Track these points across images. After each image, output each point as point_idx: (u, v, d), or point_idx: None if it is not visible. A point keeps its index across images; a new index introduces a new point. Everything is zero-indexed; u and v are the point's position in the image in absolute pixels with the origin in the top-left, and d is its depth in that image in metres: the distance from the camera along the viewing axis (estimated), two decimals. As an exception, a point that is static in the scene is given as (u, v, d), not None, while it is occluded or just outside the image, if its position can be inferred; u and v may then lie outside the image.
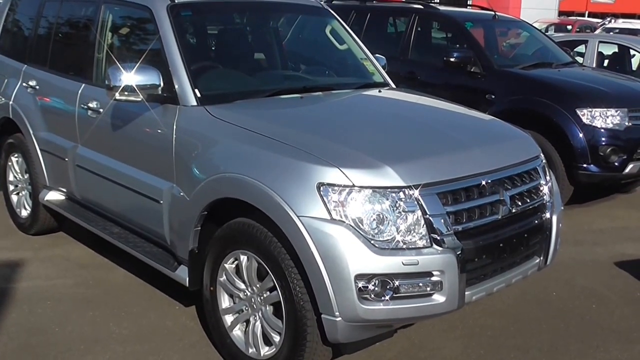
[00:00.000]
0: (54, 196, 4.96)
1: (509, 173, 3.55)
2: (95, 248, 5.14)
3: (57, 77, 4.88)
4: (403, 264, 3.03)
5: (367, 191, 3.07)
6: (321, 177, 3.09)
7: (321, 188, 3.07)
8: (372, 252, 3.01)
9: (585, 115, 6.20)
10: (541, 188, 3.74)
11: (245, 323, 3.55)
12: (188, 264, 3.76)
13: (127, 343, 3.86)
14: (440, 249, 3.11)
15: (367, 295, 3.03)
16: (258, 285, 3.41)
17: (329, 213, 3.05)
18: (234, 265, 3.52)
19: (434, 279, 3.10)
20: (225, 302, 3.62)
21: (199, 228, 3.65)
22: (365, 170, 3.11)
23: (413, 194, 3.10)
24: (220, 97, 3.85)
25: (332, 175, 3.08)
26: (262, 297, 3.41)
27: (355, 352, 3.66)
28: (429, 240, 3.11)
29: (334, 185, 3.06)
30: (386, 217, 3.07)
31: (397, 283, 3.05)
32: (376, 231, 3.06)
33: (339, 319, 3.05)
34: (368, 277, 3.01)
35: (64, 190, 4.90)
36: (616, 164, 6.22)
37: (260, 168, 3.28)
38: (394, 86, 4.82)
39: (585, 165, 6.17)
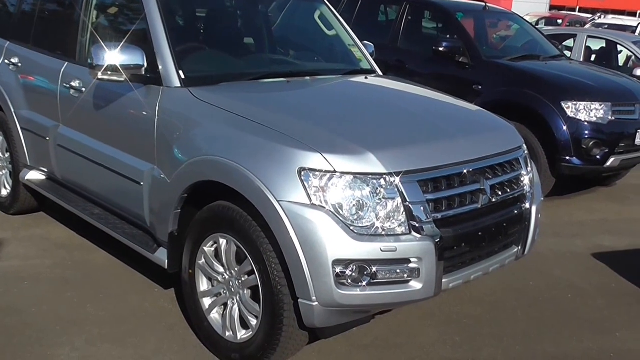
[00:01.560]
0: (34, 176, 4.92)
1: (490, 162, 3.56)
2: (76, 229, 5.11)
3: (40, 55, 4.83)
4: (381, 250, 3.04)
5: (348, 177, 3.07)
6: (302, 162, 3.08)
7: (302, 173, 3.06)
8: (350, 237, 3.01)
9: (570, 108, 6.23)
10: (522, 179, 3.76)
11: (223, 306, 3.55)
12: (167, 247, 3.75)
13: (104, 325, 3.85)
14: (418, 236, 3.12)
15: (345, 281, 3.03)
16: (237, 269, 3.41)
17: (309, 198, 3.04)
18: (213, 249, 3.51)
19: (411, 265, 3.12)
20: (203, 285, 3.61)
21: (179, 210, 3.64)
22: (347, 156, 3.11)
23: (394, 181, 3.11)
24: (204, 79, 3.83)
25: (313, 160, 3.08)
26: (240, 281, 3.41)
27: (332, 338, 3.68)
28: (408, 228, 3.12)
29: (315, 170, 3.06)
30: (366, 204, 3.08)
31: (374, 269, 3.06)
32: (355, 217, 3.06)
33: (316, 303, 3.06)
34: (346, 263, 3.02)
35: (45, 170, 4.86)
36: (598, 157, 6.27)
37: (241, 151, 3.27)
38: (381, 73, 4.82)
39: (568, 158, 6.21)
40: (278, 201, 3.06)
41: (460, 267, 3.38)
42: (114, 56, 3.68)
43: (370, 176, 3.09)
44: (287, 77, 4.14)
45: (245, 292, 3.40)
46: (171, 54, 3.79)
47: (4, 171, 5.38)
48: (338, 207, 3.05)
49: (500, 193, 3.57)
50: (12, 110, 4.97)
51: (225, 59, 4.29)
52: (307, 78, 4.23)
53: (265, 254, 3.17)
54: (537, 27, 10.47)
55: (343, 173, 3.07)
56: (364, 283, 3.06)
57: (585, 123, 6.23)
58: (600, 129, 6.28)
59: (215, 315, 3.58)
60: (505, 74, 6.76)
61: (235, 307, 3.47)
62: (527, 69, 6.78)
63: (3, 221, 5.28)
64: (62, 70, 4.48)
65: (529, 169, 3.91)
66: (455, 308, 4.31)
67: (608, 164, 6.33)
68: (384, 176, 3.11)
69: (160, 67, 3.78)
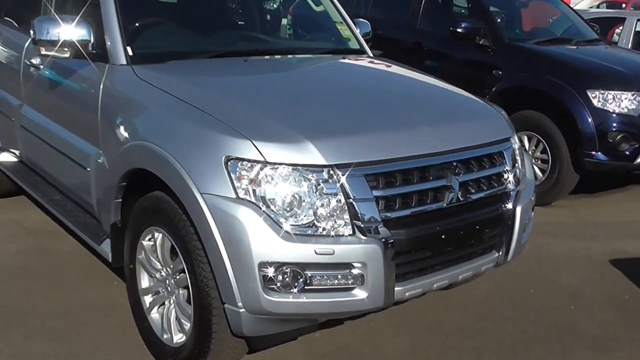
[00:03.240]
0: (5, 157, 4.71)
1: (463, 156, 3.12)
2: (52, 215, 4.89)
3: (9, 29, 4.62)
4: (316, 252, 2.66)
5: (282, 169, 2.69)
6: (230, 150, 2.72)
7: (229, 162, 2.70)
8: (280, 238, 2.64)
9: (597, 97, 5.63)
10: (504, 175, 3.29)
11: (162, 306, 3.25)
12: (110, 238, 3.47)
13: (48, 318, 3.60)
14: (363, 238, 2.72)
15: (274, 286, 2.67)
16: (171, 266, 3.10)
17: (235, 191, 2.68)
18: (151, 243, 3.20)
19: (354, 271, 2.73)
20: (145, 281, 3.30)
21: (120, 200, 3.33)
22: (281, 144, 2.73)
23: (335, 175, 2.72)
24: (153, 56, 3.51)
25: (242, 148, 2.71)
26: (174, 280, 3.09)
27: (281, 345, 3.33)
28: (351, 228, 2.73)
29: (243, 159, 2.69)
30: (301, 200, 2.70)
31: (309, 274, 2.68)
32: (288, 215, 2.69)
33: (243, 310, 2.71)
34: (275, 266, 2.65)
35: (15, 152, 4.65)
36: (627, 152, 5.64)
37: (171, 137, 2.94)
38: (370, 54, 4.40)
39: (592, 152, 5.61)
40: (201, 194, 2.71)
41: (418, 275, 2.96)
42: (59, 30, 3.40)
43: (307, 168, 2.71)
44: (252, 55, 3.78)
45: (180, 292, 3.08)
46: (119, 29, 3.47)
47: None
48: (268, 202, 2.68)
49: (473, 191, 3.12)
50: None
51: (181, 35, 3.93)
52: (268, 57, 3.84)
53: (192, 251, 2.83)
54: (590, 10, 9.70)
55: (275, 164, 2.69)
56: (296, 289, 2.69)
57: (614, 114, 5.61)
58: (632, 121, 5.64)
59: (155, 315, 3.27)
60: (528, 58, 6.18)
61: (172, 307, 3.15)
62: (552, 54, 6.17)
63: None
64: (26, 45, 4.23)
65: (517, 164, 3.45)
66: (438, 316, 3.87)
67: (639, 160, 5.70)
68: (324, 169, 2.72)
69: (108, 43, 3.47)
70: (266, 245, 2.63)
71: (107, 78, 3.43)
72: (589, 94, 5.62)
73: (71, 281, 4.02)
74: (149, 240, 3.19)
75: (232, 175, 2.69)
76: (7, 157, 4.70)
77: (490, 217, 3.19)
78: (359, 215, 2.73)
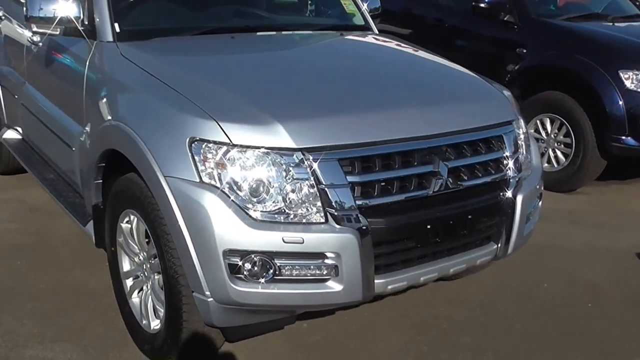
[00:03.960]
0: (10, 135, 4.70)
1: (454, 140, 2.91)
2: (54, 193, 4.88)
3: (18, 6, 4.54)
4: (284, 241, 2.50)
5: (249, 152, 2.54)
6: (194, 131, 2.57)
7: (193, 144, 2.56)
8: (246, 225, 2.49)
9: (630, 78, 5.26)
10: (503, 161, 3.07)
11: (141, 291, 3.15)
12: (93, 220, 3.38)
13: (39, 299, 3.56)
14: (337, 227, 2.56)
15: (241, 275, 2.53)
16: (147, 251, 2.99)
17: (199, 175, 2.54)
18: (129, 226, 3.10)
19: (327, 262, 2.56)
20: (126, 264, 3.22)
21: (100, 181, 3.24)
22: (249, 126, 2.57)
23: (305, 159, 2.55)
24: (139, 33, 3.39)
25: (207, 129, 2.56)
26: (149, 264, 2.99)
27: (265, 335, 3.19)
28: (323, 216, 2.57)
29: (207, 141, 2.55)
30: (270, 185, 2.54)
31: (278, 263, 2.53)
32: (255, 201, 2.54)
33: (211, 299, 2.59)
34: (241, 254, 2.51)
35: (19, 130, 4.62)
36: (659, 138, 5.30)
37: (140, 116, 2.84)
38: (375, 31, 4.18)
39: (621, 137, 5.27)
40: (165, 177, 2.59)
41: (402, 267, 2.78)
42: (50, 7, 3.30)
43: (276, 152, 2.54)
44: (243, 31, 3.61)
45: (156, 277, 2.97)
46: (108, 5, 3.37)
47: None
48: (234, 187, 2.53)
49: (465, 177, 2.91)
50: None
51: (171, 11, 3.79)
52: (259, 34, 3.67)
53: (162, 237, 2.71)
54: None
55: (242, 147, 2.54)
56: (264, 279, 2.54)
57: (648, 97, 5.26)
58: (667, 105, 5.28)
59: (136, 300, 3.18)
60: (555, 35, 5.79)
61: (149, 293, 3.06)
62: (581, 30, 5.77)
63: (-13, 181, 5.15)
64: (30, 23, 4.16)
65: (521, 150, 3.21)
66: (438, 309, 3.67)
67: (672, 146, 5.33)
68: (295, 152, 2.55)
69: (96, 19, 3.37)
70: (231, 232, 2.49)
71: (93, 55, 3.35)
72: (621, 74, 5.26)
73: (66, 262, 3.97)
74: (127, 223, 3.09)
75: (196, 158, 2.55)
76: (11, 135, 4.68)
77: (486, 206, 2.97)
78: (332, 202, 2.56)
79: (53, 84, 3.84)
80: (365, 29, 4.14)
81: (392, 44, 3.92)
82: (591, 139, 5.39)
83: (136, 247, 3.08)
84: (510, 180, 3.06)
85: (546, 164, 5.75)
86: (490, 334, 3.47)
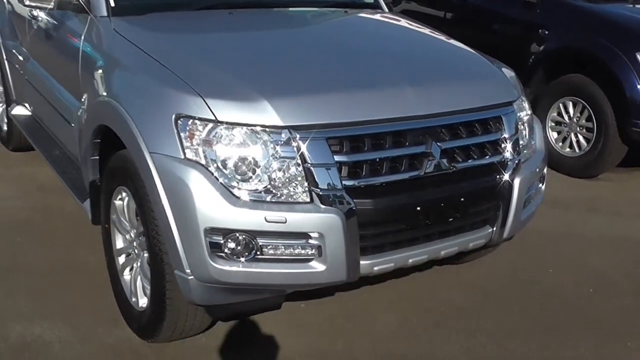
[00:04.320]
0: (19, 111, 4.71)
1: (449, 121, 2.83)
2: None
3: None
4: (266, 220, 2.46)
5: (235, 129, 2.49)
6: (180, 108, 2.54)
7: (179, 121, 2.53)
8: (228, 202, 2.45)
9: (648, 61, 5.09)
10: (501, 143, 2.97)
11: (132, 269, 3.14)
12: (90, 197, 3.37)
13: (34, 275, 3.57)
14: (322, 207, 2.50)
15: (222, 254, 2.50)
16: (137, 228, 2.98)
17: (183, 151, 2.51)
18: (122, 203, 3.08)
19: (311, 242, 2.52)
20: (119, 242, 3.20)
21: (97, 157, 3.23)
22: (235, 102, 2.53)
23: (292, 137, 2.50)
24: (133, 8, 3.35)
25: (193, 105, 2.53)
26: (138, 242, 2.97)
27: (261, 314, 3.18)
28: (308, 195, 2.52)
29: (193, 118, 2.51)
30: (255, 163, 2.50)
31: (260, 242, 2.49)
32: (239, 179, 2.49)
33: (191, 277, 2.56)
34: (222, 232, 2.47)
35: (26, 105, 4.64)
36: (680, 124, 5.11)
37: (130, 92, 2.82)
38: (385, 9, 4.09)
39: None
40: (150, 153, 2.56)
41: (390, 249, 2.72)
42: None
43: (261, 129, 2.50)
44: (242, 7, 3.55)
45: (144, 255, 2.95)
46: None
47: (3, 105, 5.24)
48: (218, 165, 2.49)
49: (460, 159, 2.83)
50: (0, 40, 4.77)
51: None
52: (258, 9, 3.60)
53: (148, 214, 2.68)
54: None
55: (228, 124, 2.49)
56: (244, 259, 2.50)
57: (667, 81, 5.07)
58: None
59: (127, 277, 3.17)
60: (577, 16, 5.59)
61: (139, 270, 3.04)
62: (601, 11, 5.55)
63: (2, 157, 5.17)
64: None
65: (524, 132, 3.13)
66: (439, 293, 3.61)
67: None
68: (281, 130, 2.50)
69: (91, -7, 3.35)
70: (213, 210, 2.45)
71: (88, 30, 3.33)
72: (638, 57, 5.09)
73: (67, 239, 3.98)
74: (120, 200, 3.07)
75: (182, 135, 2.52)
76: (20, 111, 4.70)
77: (481, 189, 2.90)
78: (318, 182, 2.51)
79: (53, 60, 3.84)
80: (373, 7, 4.04)
81: (398, 22, 3.83)
82: (612, 123, 5.21)
83: (128, 225, 3.06)
84: (508, 162, 2.97)
85: (568, 149, 5.61)
86: (486, 317, 3.41)
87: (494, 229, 3.00)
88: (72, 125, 3.47)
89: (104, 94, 2.96)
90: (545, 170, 3.38)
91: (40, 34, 3.95)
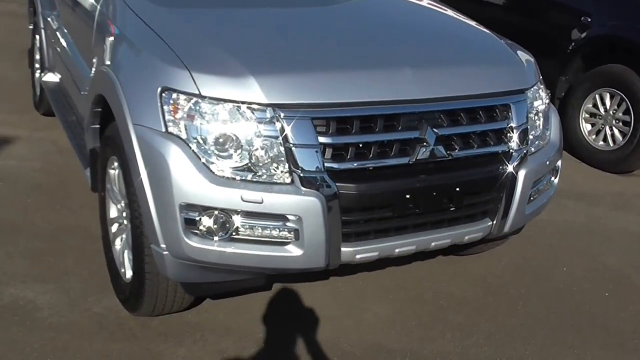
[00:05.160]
0: (49, 78, 4.74)
1: (450, 106, 2.69)
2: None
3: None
4: (242, 199, 2.38)
5: (218, 105, 2.42)
6: (167, 80, 2.48)
7: (164, 94, 2.47)
8: (205, 179, 2.39)
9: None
10: (507, 132, 2.81)
11: (122, 239, 3.12)
12: (89, 164, 3.37)
13: (35, 238, 3.59)
14: (303, 189, 2.41)
15: (197, 231, 2.44)
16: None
17: (165, 125, 2.45)
18: (114, 172, 3.05)
19: (289, 224, 2.43)
20: (113, 211, 3.17)
21: (97, 126, 3.21)
22: (220, 77, 2.45)
23: (276, 116, 2.40)
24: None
25: (178, 78, 2.46)
26: (126, 213, 2.94)
27: (248, 297, 3.12)
28: (289, 176, 2.43)
29: (177, 91, 2.45)
30: (235, 140, 2.43)
31: (236, 222, 2.42)
32: (219, 155, 2.43)
33: (166, 252, 2.51)
34: (197, 209, 2.41)
35: (56, 73, 4.68)
36: None
37: (125, 63, 2.81)
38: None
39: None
40: (133, 124, 2.52)
41: (375, 237, 2.62)
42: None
43: (245, 106, 2.41)
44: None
45: (130, 226, 2.91)
46: None
47: (38, 72, 5.31)
48: (199, 140, 2.42)
49: (457, 147, 2.69)
50: (40, 10, 4.84)
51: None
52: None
53: (130, 185, 2.65)
54: None
55: (211, 99, 2.42)
56: (219, 238, 2.44)
57: None
58: None
59: (118, 247, 3.14)
60: (622, 3, 5.30)
61: (125, 241, 3.02)
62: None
63: (30, 120, 5.23)
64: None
65: (536, 121, 2.97)
66: (439, 284, 3.48)
67: None
68: (265, 108, 2.41)
69: (107, -35, 3.31)
70: (189, 185, 2.39)
71: (103, 1, 3.31)
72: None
73: (75, 203, 3.99)
74: (113, 169, 3.05)
75: (165, 108, 2.46)
76: (50, 78, 4.74)
77: (479, 179, 2.75)
78: (300, 163, 2.42)
79: (75, 29, 3.88)
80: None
81: (418, 4, 3.66)
82: (652, 115, 4.94)
83: (119, 195, 3.04)
84: (513, 153, 2.81)
85: (601, 142, 5.34)
86: (487, 315, 3.26)
87: (494, 222, 2.85)
88: (82, 93, 3.47)
89: (107, 63, 2.93)
90: (559, 163, 3.21)
91: (67, 4, 3.96)
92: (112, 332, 2.90)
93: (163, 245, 2.49)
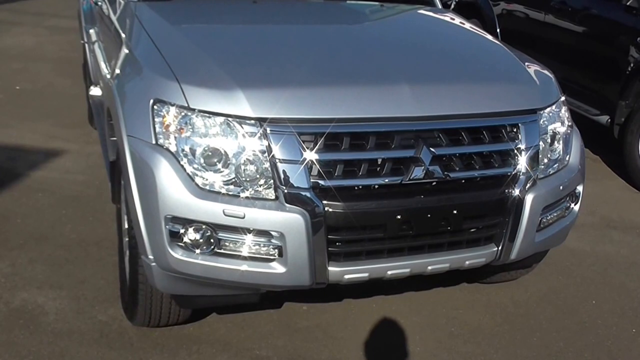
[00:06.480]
0: (94, 92, 4.85)
1: (450, 125, 2.61)
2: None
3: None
4: (224, 213, 2.38)
5: (205, 118, 2.43)
6: (158, 92, 2.52)
7: (155, 106, 2.50)
8: (189, 192, 2.40)
9: None
10: (514, 154, 2.69)
11: (131, 249, 3.18)
12: (109, 176, 3.46)
13: (61, 247, 3.69)
14: (287, 205, 2.38)
15: (181, 244, 2.45)
16: (130, 210, 3.01)
17: (155, 137, 2.48)
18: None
19: (273, 241, 2.41)
20: (126, 222, 3.24)
21: (114, 138, 3.28)
22: (209, 90, 2.46)
23: (263, 130, 2.39)
24: (163, -8, 3.38)
25: (169, 91, 2.49)
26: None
27: (254, 311, 3.11)
28: (273, 192, 2.41)
29: (167, 103, 2.48)
30: (221, 154, 2.43)
31: (219, 236, 2.42)
32: (206, 169, 2.43)
33: (154, 264, 2.53)
34: (182, 222, 2.42)
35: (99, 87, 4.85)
36: None
37: (125, 75, 2.86)
38: (438, 5, 3.85)
39: None
40: (127, 136, 2.57)
41: (366, 258, 2.55)
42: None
43: (231, 119, 2.42)
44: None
45: (132, 237, 2.98)
46: None
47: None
48: (186, 152, 2.44)
49: (457, 168, 2.59)
50: (83, 25, 5.02)
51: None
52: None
53: (127, 196, 2.70)
54: None
55: (200, 112, 2.44)
56: (201, 251, 2.44)
57: None
58: None
59: (127, 258, 3.20)
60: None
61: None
62: None
63: (83, 135, 5.41)
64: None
65: (556, 144, 2.86)
66: (456, 311, 3.35)
67: None
68: (251, 122, 2.41)
69: (124, -22, 3.42)
70: (174, 198, 2.41)
71: (120, 14, 3.41)
72: None
73: (107, 216, 4.08)
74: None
75: (156, 120, 2.49)
76: (95, 92, 4.86)
77: (480, 202, 2.65)
78: (284, 179, 2.39)
79: (105, 42, 3.97)
80: (423, 2, 3.81)
81: (434, 20, 3.58)
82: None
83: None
84: (520, 176, 2.68)
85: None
86: (499, 345, 3.12)
87: (500, 248, 2.73)
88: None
89: (113, 76, 3.01)
90: (579, 189, 3.03)
91: (98, 18, 4.11)
92: (111, 340, 2.94)
93: (151, 257, 2.52)
